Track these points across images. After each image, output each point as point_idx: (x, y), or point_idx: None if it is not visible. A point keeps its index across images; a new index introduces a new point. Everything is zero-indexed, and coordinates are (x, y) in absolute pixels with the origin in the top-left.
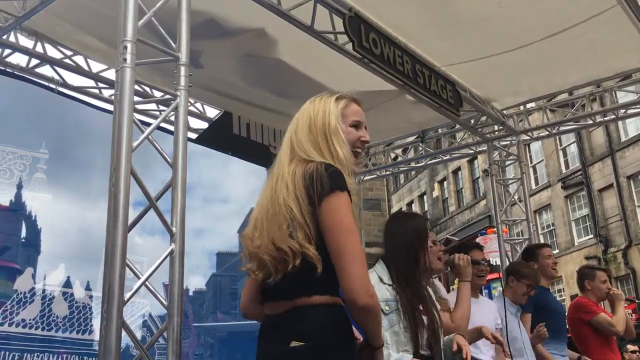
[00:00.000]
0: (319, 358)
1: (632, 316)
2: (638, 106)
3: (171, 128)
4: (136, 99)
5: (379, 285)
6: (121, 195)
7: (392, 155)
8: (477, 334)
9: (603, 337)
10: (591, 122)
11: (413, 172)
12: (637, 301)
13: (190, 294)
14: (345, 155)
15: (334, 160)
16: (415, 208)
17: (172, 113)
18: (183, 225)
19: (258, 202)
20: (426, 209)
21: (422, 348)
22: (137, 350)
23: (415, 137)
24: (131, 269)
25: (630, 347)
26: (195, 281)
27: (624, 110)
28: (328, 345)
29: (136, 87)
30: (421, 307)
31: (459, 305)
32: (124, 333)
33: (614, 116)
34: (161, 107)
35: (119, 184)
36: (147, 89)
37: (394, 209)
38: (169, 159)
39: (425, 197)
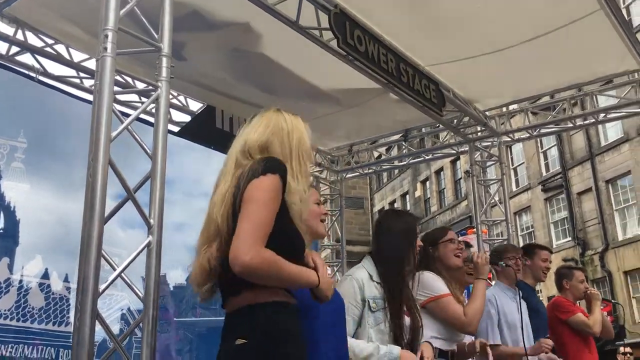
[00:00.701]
0: (261, 354)
1: (607, 318)
2: (618, 110)
3: (153, 120)
4: (116, 89)
5: (369, 282)
6: (98, 186)
7: (376, 154)
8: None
9: (580, 337)
10: (571, 125)
11: (396, 172)
12: (612, 301)
13: (171, 288)
14: (308, 173)
15: (296, 171)
16: (398, 207)
17: (153, 104)
18: (161, 217)
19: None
20: (408, 208)
21: (404, 348)
22: (113, 343)
23: (400, 135)
24: (107, 261)
25: (622, 348)
26: (176, 276)
27: (604, 114)
28: (271, 341)
29: (117, 77)
30: (405, 308)
31: (472, 301)
32: (100, 326)
33: (593, 120)
34: (143, 99)
35: (97, 175)
36: (130, 79)
37: (377, 208)
38: (148, 151)
39: (407, 196)
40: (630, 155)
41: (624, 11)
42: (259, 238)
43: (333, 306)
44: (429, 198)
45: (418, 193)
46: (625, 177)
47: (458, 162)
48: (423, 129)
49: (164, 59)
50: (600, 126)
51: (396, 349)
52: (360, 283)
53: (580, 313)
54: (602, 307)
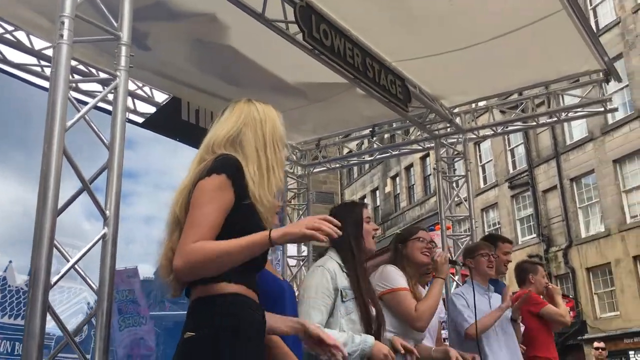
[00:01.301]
0: (205, 348)
1: (570, 313)
2: (580, 110)
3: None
4: (77, 77)
5: (340, 272)
6: (52, 176)
7: (346, 150)
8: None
9: (547, 330)
10: (534, 123)
11: (366, 167)
12: (570, 297)
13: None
14: (283, 160)
15: (272, 161)
16: (368, 203)
17: (112, 94)
18: (117, 208)
19: None
20: (378, 204)
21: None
22: (65, 337)
23: (368, 131)
24: (61, 252)
25: (596, 344)
26: (145, 269)
27: (566, 113)
28: (215, 334)
29: (80, 67)
30: (369, 299)
31: (427, 299)
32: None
33: (556, 118)
34: (105, 88)
35: (50, 165)
36: (94, 70)
37: None
38: (106, 141)
39: (377, 192)
40: (594, 154)
41: (590, 13)
42: (190, 238)
43: (288, 299)
44: (399, 194)
45: (388, 189)
46: (589, 175)
47: (428, 158)
48: (394, 124)
49: (123, 48)
50: (565, 125)
51: (370, 338)
52: (332, 273)
53: (550, 305)
54: (565, 303)
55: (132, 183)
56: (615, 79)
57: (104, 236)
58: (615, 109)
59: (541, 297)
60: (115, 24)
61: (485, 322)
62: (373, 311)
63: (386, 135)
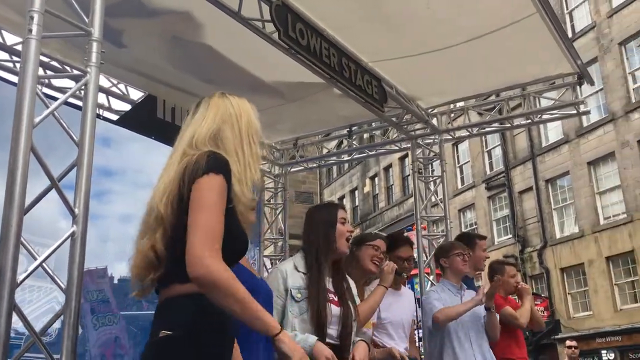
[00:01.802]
0: (184, 347)
1: (544, 313)
2: (553, 112)
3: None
4: (49, 73)
5: (293, 272)
6: (19, 173)
7: (325, 150)
8: (387, 355)
9: (508, 332)
10: (509, 125)
11: (346, 167)
12: (543, 296)
13: (115, 281)
14: (259, 154)
15: (248, 156)
16: (347, 203)
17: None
18: (87, 207)
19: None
20: (357, 204)
21: (332, 338)
22: (32, 336)
23: (346, 130)
24: (28, 251)
25: (568, 342)
26: (121, 268)
27: (539, 116)
28: (194, 334)
29: (54, 63)
30: (335, 299)
31: (366, 302)
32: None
33: (530, 120)
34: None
35: (17, 161)
36: (68, 68)
37: None
38: (75, 138)
39: (356, 192)
40: (569, 156)
41: (567, 17)
42: (211, 243)
43: (263, 297)
44: (378, 194)
45: (367, 189)
46: (564, 177)
47: (406, 159)
48: (373, 124)
49: (94, 44)
50: (541, 127)
51: (312, 338)
52: (284, 274)
53: (508, 306)
54: (538, 303)
55: (109, 181)
56: (588, 82)
57: (72, 234)
58: (588, 112)
59: (507, 297)
60: (86, 20)
61: (455, 309)
62: (336, 311)
63: (365, 136)
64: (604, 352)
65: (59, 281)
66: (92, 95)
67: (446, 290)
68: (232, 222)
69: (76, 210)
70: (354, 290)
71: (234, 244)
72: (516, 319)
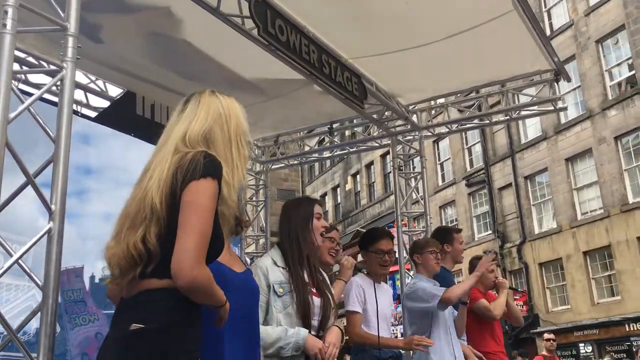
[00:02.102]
0: (155, 341)
1: (522, 308)
2: (532, 109)
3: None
4: (25, 68)
5: (273, 267)
6: None
7: (306, 147)
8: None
9: (484, 324)
10: (488, 121)
11: (328, 165)
12: (519, 290)
13: (97, 280)
14: (246, 156)
15: (236, 159)
16: (329, 200)
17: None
18: (64, 203)
19: (123, 209)
20: (339, 201)
21: (314, 329)
22: (8, 334)
23: (327, 127)
24: (4, 248)
25: (546, 335)
26: (103, 267)
27: (517, 112)
28: (166, 328)
29: (30, 58)
30: (314, 290)
31: None
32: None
33: (508, 117)
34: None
35: None
36: (44, 63)
37: None
38: (51, 134)
39: (338, 189)
40: (548, 153)
41: (545, 15)
42: (203, 252)
43: (245, 298)
44: (359, 191)
45: (349, 186)
46: (542, 173)
47: (388, 156)
48: (354, 121)
49: (70, 39)
50: (520, 124)
51: (304, 331)
52: (264, 270)
53: (484, 299)
54: (517, 297)
55: (89, 179)
56: (565, 78)
57: (49, 231)
58: (565, 108)
59: (487, 292)
60: (62, 14)
61: (461, 286)
62: (317, 301)
63: (347, 132)
64: (581, 345)
65: (35, 278)
66: (68, 91)
67: (423, 283)
68: (216, 222)
69: (53, 206)
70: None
71: (216, 243)
72: (489, 311)
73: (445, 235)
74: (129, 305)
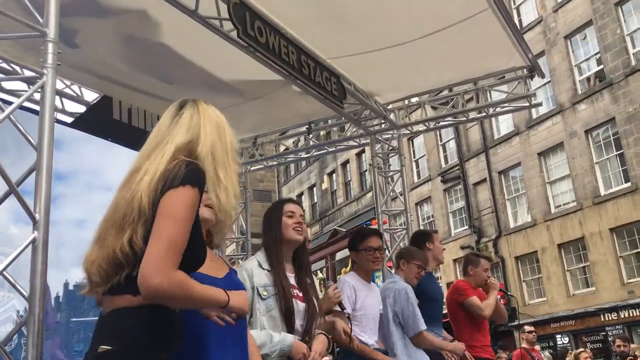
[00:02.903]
0: None
1: (500, 301)
2: (506, 105)
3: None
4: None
5: (258, 270)
6: None
7: (282, 147)
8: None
9: (473, 320)
10: (464, 118)
11: (303, 164)
12: (508, 293)
13: (71, 287)
14: (237, 170)
15: (233, 169)
16: (305, 199)
17: (38, 93)
18: (48, 212)
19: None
20: (315, 200)
21: (298, 334)
22: None
23: (304, 128)
24: None
25: (527, 327)
26: (77, 274)
27: (493, 109)
28: (134, 349)
29: (3, 65)
30: (300, 294)
31: None
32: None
33: (484, 113)
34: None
35: None
36: (18, 68)
37: None
38: (33, 141)
39: (314, 189)
40: (520, 147)
41: (514, 11)
42: (170, 260)
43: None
44: (336, 190)
45: (325, 185)
46: (515, 168)
47: (363, 154)
48: (330, 121)
49: (50, 45)
50: (493, 120)
51: (290, 337)
52: (249, 272)
53: (475, 297)
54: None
55: (61, 185)
56: (539, 74)
57: (33, 241)
58: (540, 104)
59: (476, 289)
60: (41, 20)
61: (436, 341)
62: (301, 306)
63: (322, 132)
64: (558, 336)
65: (21, 289)
66: (49, 98)
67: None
68: (198, 233)
69: (37, 215)
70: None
71: (196, 252)
72: (480, 310)
73: (425, 237)
74: (103, 323)
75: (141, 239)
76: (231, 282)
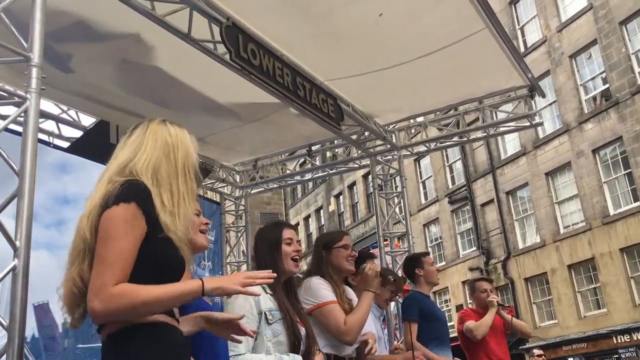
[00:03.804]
0: None
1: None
2: (508, 125)
3: (43, 137)
4: None
5: (263, 295)
6: None
7: (288, 169)
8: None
9: (476, 343)
10: (466, 138)
11: (310, 186)
12: (506, 305)
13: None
14: (194, 190)
15: (182, 190)
16: (312, 222)
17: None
18: (29, 239)
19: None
20: (323, 222)
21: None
22: None
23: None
24: None
25: (536, 351)
26: None
27: (494, 129)
28: None
29: None
30: (297, 318)
31: (356, 312)
32: None
33: (486, 134)
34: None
35: None
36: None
37: (292, 224)
38: (15, 167)
39: (322, 211)
40: (527, 167)
41: (518, 32)
42: (108, 279)
43: None
44: (343, 212)
45: (332, 207)
46: (523, 188)
47: (369, 176)
48: (335, 142)
49: (34, 70)
50: (500, 140)
51: (298, 358)
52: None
53: (471, 321)
54: (507, 312)
55: (68, 209)
56: (539, 94)
57: (14, 269)
58: (540, 123)
59: (483, 311)
60: (25, 45)
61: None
62: (302, 331)
63: (328, 154)
64: (570, 359)
65: (1, 319)
66: (32, 122)
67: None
68: (165, 249)
69: (17, 243)
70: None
71: (163, 273)
72: (470, 332)
73: (414, 262)
74: (105, 347)
75: (88, 272)
76: (202, 302)
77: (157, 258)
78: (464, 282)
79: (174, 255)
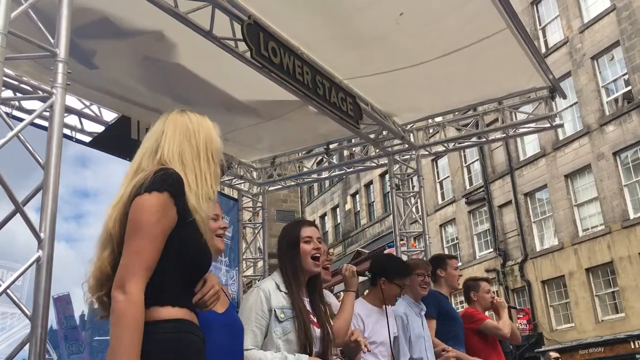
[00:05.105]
0: None
1: (527, 326)
2: (528, 126)
3: (66, 131)
4: (17, 95)
5: (276, 291)
6: None
7: (305, 167)
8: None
9: (489, 343)
10: (484, 139)
11: (327, 185)
12: (518, 307)
13: (95, 306)
14: (217, 173)
15: (205, 170)
16: (328, 220)
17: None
18: (53, 231)
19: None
20: (339, 221)
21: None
22: None
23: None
24: None
25: (552, 354)
26: None
27: (514, 130)
28: None
29: (23, 85)
30: (315, 319)
31: (340, 315)
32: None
33: (505, 134)
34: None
35: None
36: (39, 91)
37: None
38: (40, 160)
39: (338, 209)
40: (547, 169)
41: (540, 32)
42: (138, 273)
43: (225, 337)
44: (359, 211)
45: (348, 206)
46: (542, 190)
47: (387, 175)
48: (353, 140)
49: (60, 65)
50: (519, 141)
51: (304, 357)
52: (266, 293)
53: (490, 320)
54: (520, 316)
55: (87, 203)
56: (560, 95)
57: (38, 260)
58: (561, 125)
59: (485, 313)
60: (51, 40)
61: None
62: (317, 332)
63: (345, 152)
64: None
65: (24, 309)
66: (57, 117)
67: (409, 310)
68: (191, 235)
69: (42, 234)
70: (335, 310)
71: (194, 259)
72: (499, 330)
73: (438, 262)
74: None
75: (108, 262)
76: (231, 318)
77: (188, 245)
78: None
79: (199, 241)
